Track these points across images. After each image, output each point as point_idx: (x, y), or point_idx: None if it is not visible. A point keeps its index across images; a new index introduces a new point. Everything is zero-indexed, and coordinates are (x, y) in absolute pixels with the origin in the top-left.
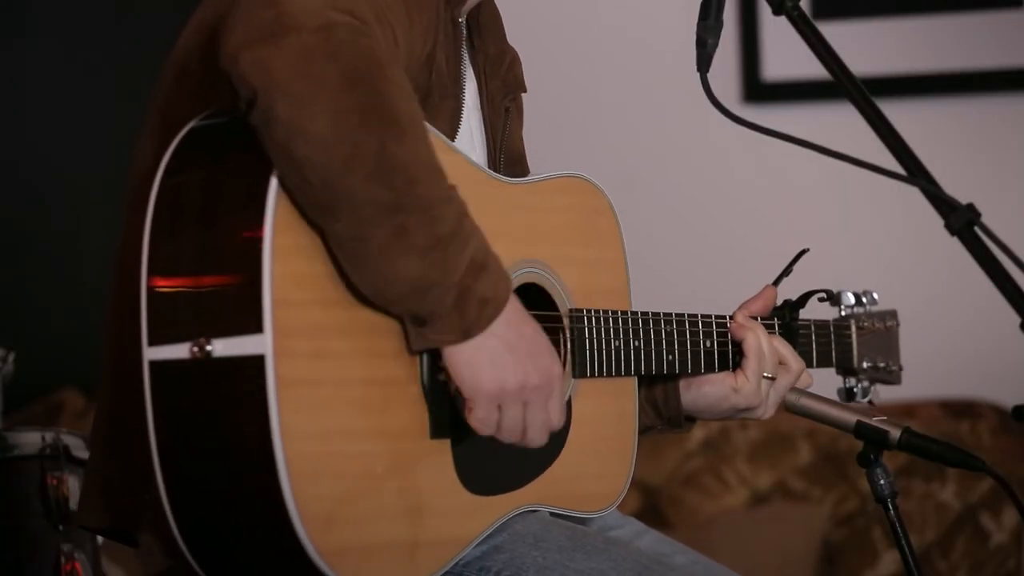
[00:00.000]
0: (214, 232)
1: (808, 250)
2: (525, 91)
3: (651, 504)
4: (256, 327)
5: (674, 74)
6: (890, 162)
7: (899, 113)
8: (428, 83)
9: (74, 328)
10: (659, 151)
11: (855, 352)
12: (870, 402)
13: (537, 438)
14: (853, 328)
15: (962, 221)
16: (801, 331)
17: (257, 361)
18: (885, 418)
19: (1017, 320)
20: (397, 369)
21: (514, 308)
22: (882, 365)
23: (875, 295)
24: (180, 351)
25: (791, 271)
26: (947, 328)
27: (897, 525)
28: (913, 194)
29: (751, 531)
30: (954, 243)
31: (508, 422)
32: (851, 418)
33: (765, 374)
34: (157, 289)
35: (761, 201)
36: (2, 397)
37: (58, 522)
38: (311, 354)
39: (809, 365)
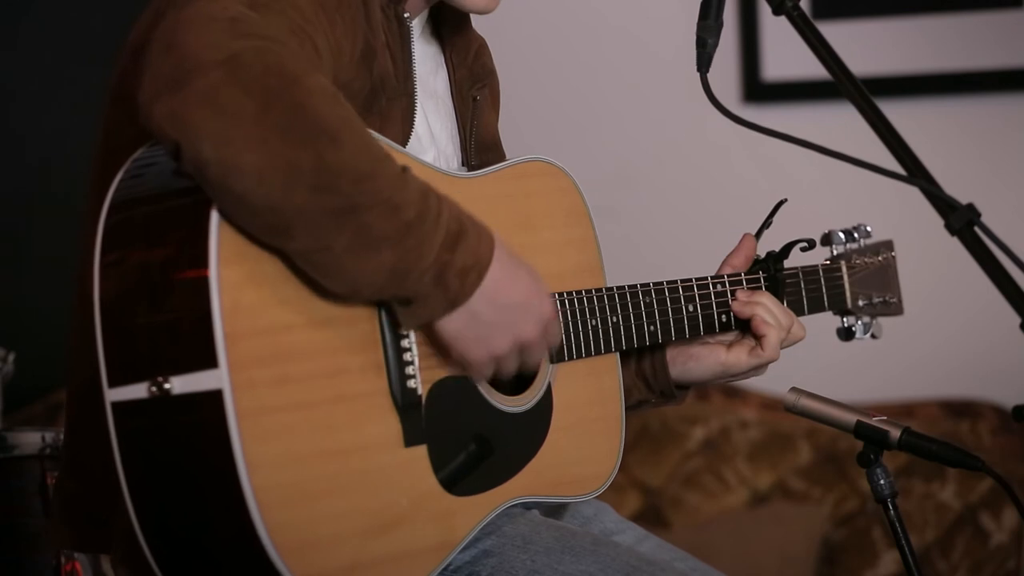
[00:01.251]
0: (163, 271)
1: (786, 200)
2: (495, 79)
3: (651, 504)
4: (211, 362)
5: (673, 74)
6: (890, 162)
7: (899, 113)
8: (370, 82)
9: None
10: (659, 151)
11: (847, 292)
12: (873, 335)
13: (535, 366)
14: (844, 268)
15: (962, 221)
16: (788, 280)
17: (215, 396)
18: (885, 418)
19: (1017, 320)
20: (364, 383)
21: (501, 265)
22: (879, 300)
23: (868, 228)
24: (139, 391)
25: (771, 223)
26: (947, 328)
27: (897, 525)
28: (913, 194)
29: (751, 531)
30: (954, 243)
31: (504, 370)
32: (851, 418)
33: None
34: (111, 329)
35: (761, 201)
36: (2, 397)
37: None
38: (272, 381)
39: (801, 314)
